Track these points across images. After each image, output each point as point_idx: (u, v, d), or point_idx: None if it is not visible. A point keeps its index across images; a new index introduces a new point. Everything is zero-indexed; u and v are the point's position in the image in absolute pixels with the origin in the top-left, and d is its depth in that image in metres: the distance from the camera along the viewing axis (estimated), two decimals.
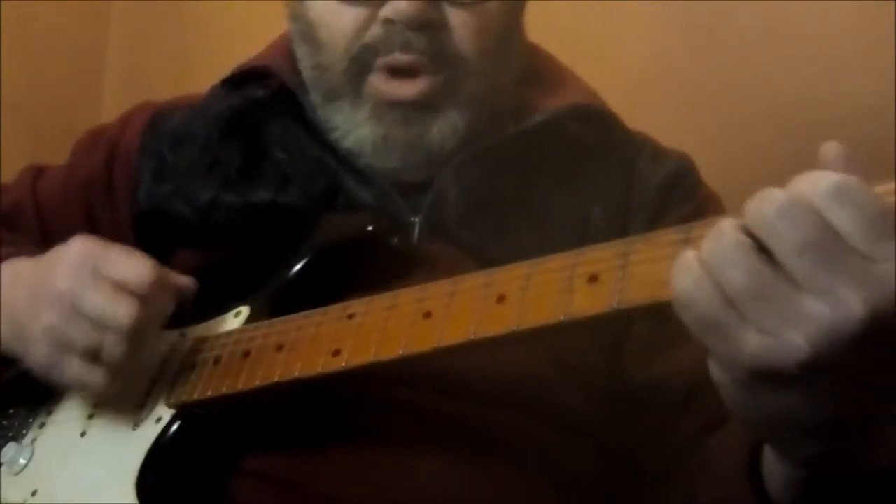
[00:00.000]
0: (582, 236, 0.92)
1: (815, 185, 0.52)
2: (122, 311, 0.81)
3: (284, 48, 1.01)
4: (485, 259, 0.87)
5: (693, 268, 0.54)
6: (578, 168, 0.97)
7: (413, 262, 0.90)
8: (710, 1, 1.38)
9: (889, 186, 0.56)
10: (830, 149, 0.56)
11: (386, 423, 0.87)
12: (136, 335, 0.82)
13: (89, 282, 0.83)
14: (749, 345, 0.51)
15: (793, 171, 1.39)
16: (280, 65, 1.00)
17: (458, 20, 0.92)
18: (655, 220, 0.94)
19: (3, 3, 1.71)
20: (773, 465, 0.63)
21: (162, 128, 1.06)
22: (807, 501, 0.63)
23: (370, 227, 0.90)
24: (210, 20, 1.81)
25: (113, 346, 0.82)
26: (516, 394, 0.88)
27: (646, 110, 1.37)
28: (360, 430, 0.86)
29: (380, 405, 0.87)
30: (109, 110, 1.85)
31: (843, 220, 0.51)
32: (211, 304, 0.93)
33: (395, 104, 0.93)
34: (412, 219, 0.93)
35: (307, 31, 0.96)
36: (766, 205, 0.52)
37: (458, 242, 0.90)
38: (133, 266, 0.84)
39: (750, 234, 0.53)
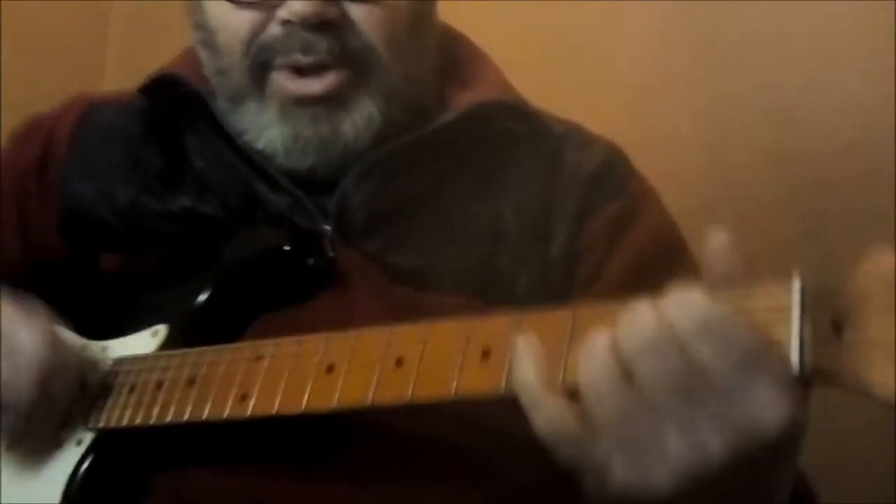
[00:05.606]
0: (492, 238, 0.92)
1: (683, 317, 0.52)
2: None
3: (192, 57, 0.98)
4: (387, 266, 0.89)
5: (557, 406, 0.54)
6: (494, 166, 0.95)
7: (327, 274, 0.89)
8: (710, 2, 1.36)
9: (768, 290, 0.55)
10: (717, 239, 0.56)
11: (331, 442, 0.86)
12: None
13: None
14: (617, 476, 0.53)
15: (791, 173, 1.38)
16: (188, 73, 0.97)
17: (361, 14, 0.89)
18: (582, 213, 0.93)
19: (3, 3, 1.72)
20: None
21: (92, 123, 1.03)
22: None
23: (287, 248, 0.89)
24: None
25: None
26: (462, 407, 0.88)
27: (645, 112, 1.39)
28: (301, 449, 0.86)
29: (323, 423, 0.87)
30: None
31: (707, 357, 0.51)
32: (135, 310, 0.93)
33: (303, 102, 0.90)
34: (324, 227, 0.92)
35: (207, 37, 0.94)
36: (634, 336, 0.52)
37: (363, 250, 0.90)
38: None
39: (619, 359, 0.53)
